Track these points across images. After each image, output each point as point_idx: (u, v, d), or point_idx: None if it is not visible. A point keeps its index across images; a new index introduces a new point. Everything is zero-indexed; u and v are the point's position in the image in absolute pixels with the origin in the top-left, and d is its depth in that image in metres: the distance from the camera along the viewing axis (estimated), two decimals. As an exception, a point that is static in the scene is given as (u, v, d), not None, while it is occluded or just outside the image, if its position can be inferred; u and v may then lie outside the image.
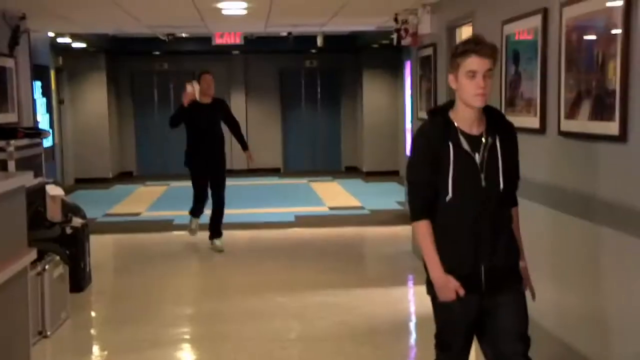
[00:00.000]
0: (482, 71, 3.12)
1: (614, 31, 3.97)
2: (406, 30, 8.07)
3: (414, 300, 6.60)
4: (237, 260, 8.32)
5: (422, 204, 3.26)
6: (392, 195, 12.64)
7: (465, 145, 3.19)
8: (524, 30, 5.38)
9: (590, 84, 4.31)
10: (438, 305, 3.32)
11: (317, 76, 17.82)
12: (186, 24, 10.12)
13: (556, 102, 4.79)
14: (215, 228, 8.67)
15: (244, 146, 8.84)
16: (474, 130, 3.22)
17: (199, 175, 8.53)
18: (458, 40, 6.91)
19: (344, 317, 6.05)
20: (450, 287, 3.20)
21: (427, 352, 5.23)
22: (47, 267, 5.71)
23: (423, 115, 7.97)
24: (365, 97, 16.49)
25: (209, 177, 8.52)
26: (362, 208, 12.02)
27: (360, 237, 9.96)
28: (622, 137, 3.84)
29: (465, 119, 3.22)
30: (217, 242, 8.64)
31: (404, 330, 5.94)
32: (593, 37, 4.28)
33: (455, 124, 3.21)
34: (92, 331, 6.18)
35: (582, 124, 4.27)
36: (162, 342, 5.57)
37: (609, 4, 4.06)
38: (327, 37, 13.52)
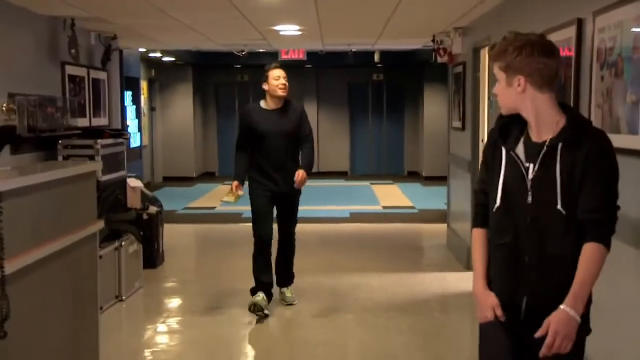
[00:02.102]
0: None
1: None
2: (444, 50, 8.76)
3: (433, 284, 7.01)
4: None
5: (476, 211, 2.82)
6: (443, 197, 12.54)
7: (520, 152, 2.61)
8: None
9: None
10: (479, 331, 2.77)
11: (383, 88, 18.55)
12: (253, 42, 10.45)
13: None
14: (284, 272, 6.55)
15: (307, 165, 6.23)
16: (539, 137, 2.59)
17: (260, 205, 6.18)
18: (482, 60, 7.73)
19: (370, 294, 6.82)
20: (487, 303, 2.65)
21: (433, 325, 6.03)
22: (123, 243, 6.64)
23: (457, 124, 8.69)
24: (426, 108, 17.15)
25: (273, 208, 6.29)
26: (412, 207, 12.58)
27: (404, 232, 10.53)
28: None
29: (529, 122, 2.63)
30: (286, 291, 6.57)
31: (417, 307, 6.45)
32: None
33: (528, 128, 2.64)
34: (160, 298, 7.06)
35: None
36: (216, 308, 6.39)
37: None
38: (392, 54, 14.20)
